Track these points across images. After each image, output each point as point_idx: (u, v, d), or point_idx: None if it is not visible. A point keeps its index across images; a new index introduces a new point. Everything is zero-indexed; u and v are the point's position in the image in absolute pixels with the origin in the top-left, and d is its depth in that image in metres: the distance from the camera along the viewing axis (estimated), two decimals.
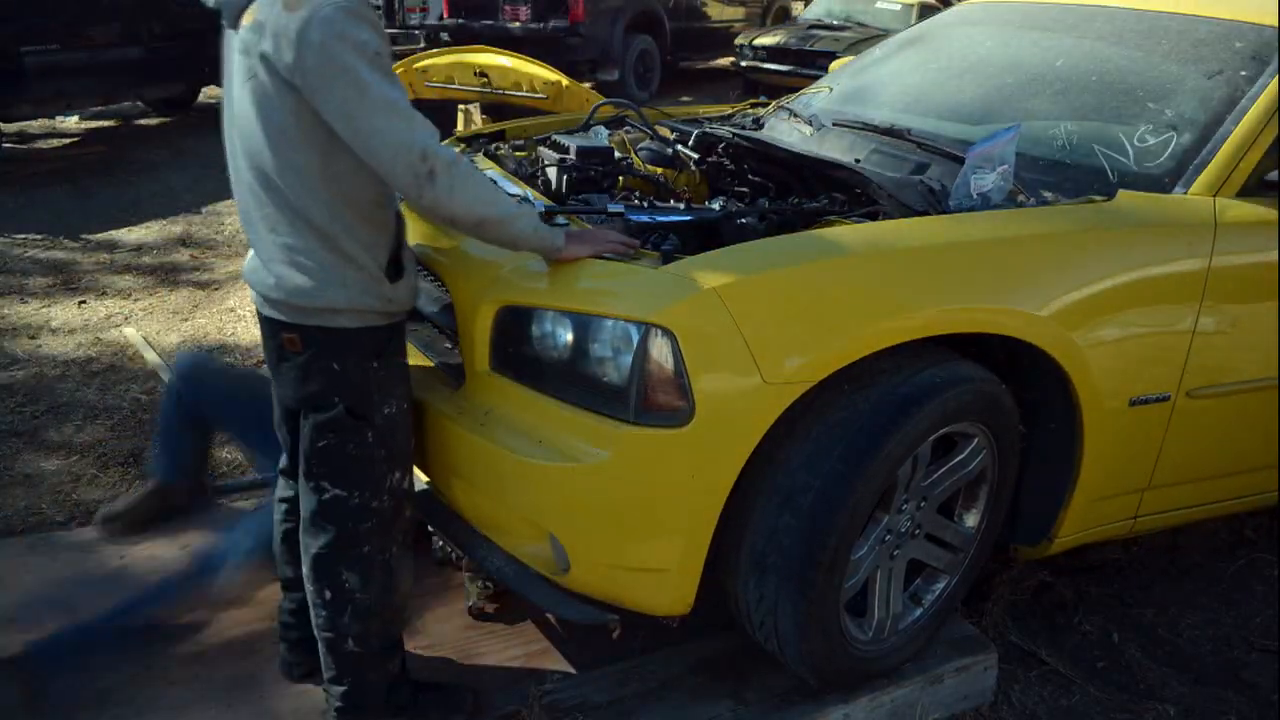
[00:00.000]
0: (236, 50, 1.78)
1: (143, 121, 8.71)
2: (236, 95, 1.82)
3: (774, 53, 10.56)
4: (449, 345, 2.23)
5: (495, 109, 4.29)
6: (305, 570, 2.02)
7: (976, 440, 2.08)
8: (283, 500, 2.19)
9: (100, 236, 5.61)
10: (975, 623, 2.44)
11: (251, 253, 1.95)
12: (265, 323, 1.96)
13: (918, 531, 2.13)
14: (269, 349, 1.99)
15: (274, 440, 2.19)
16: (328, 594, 1.99)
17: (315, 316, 1.87)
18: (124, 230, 5.74)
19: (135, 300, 4.68)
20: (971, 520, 2.20)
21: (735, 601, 2.00)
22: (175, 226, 5.87)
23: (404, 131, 1.68)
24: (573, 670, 2.18)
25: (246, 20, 1.73)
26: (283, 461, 2.19)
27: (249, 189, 1.87)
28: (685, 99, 10.87)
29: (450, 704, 2.17)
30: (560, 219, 2.10)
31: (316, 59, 1.65)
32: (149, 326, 4.37)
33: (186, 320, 4.45)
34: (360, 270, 1.84)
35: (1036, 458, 2.22)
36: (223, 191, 6.51)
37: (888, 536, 2.07)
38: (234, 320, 4.47)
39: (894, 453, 1.89)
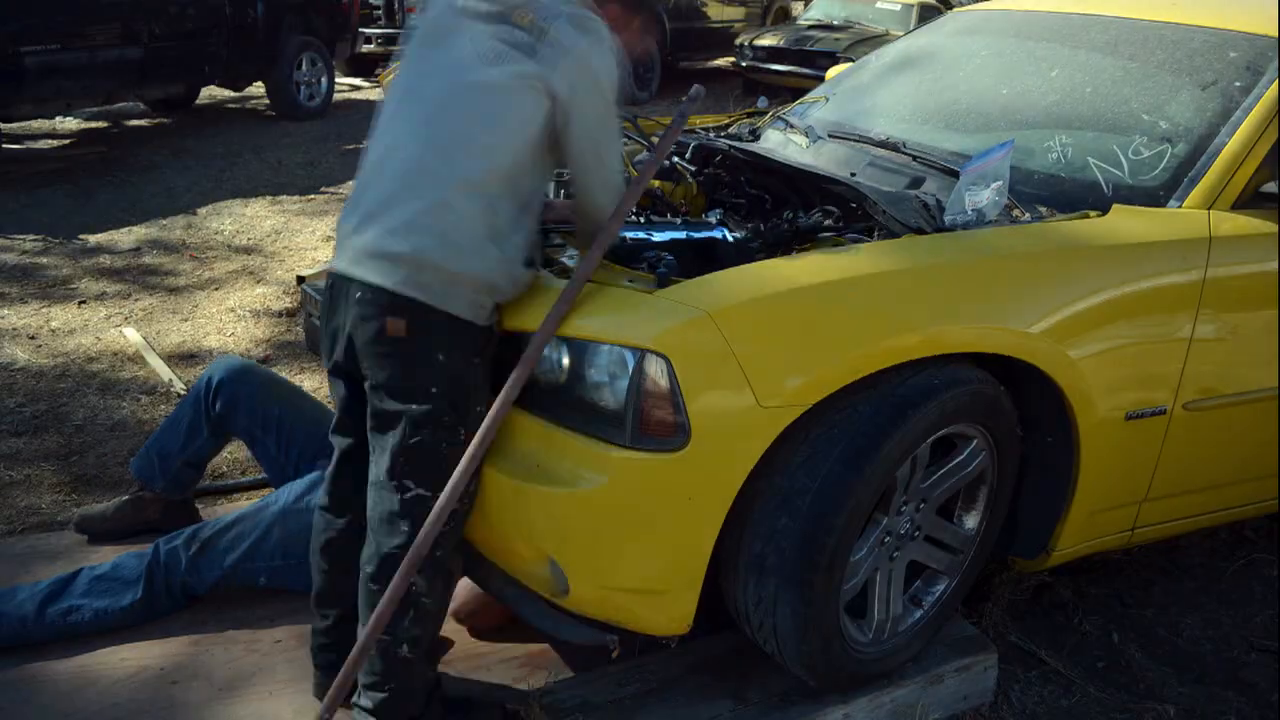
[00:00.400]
0: (488, 37, 1.89)
1: (143, 121, 8.72)
2: (450, 64, 1.91)
3: (774, 53, 10.57)
4: None
5: None
6: (368, 571, 1.97)
7: (975, 442, 2.08)
8: (324, 509, 2.14)
9: (100, 236, 5.61)
10: (975, 623, 2.44)
11: (363, 228, 1.91)
12: (366, 305, 1.89)
13: (917, 533, 2.14)
14: (365, 335, 1.90)
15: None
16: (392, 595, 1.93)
17: (440, 295, 1.86)
18: (124, 230, 5.75)
19: (135, 300, 4.68)
20: (971, 522, 2.20)
21: (734, 603, 2.01)
22: (175, 226, 5.87)
23: (618, 170, 1.96)
24: (573, 670, 2.19)
25: (522, 20, 1.88)
26: (328, 468, 2.14)
27: (417, 155, 1.90)
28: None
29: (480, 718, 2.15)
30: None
31: (591, 84, 1.86)
32: (149, 327, 4.37)
33: (186, 320, 4.45)
34: (502, 250, 1.89)
35: (1034, 471, 2.22)
36: (223, 191, 6.55)
37: (887, 538, 2.07)
38: (234, 320, 4.47)
39: (892, 454, 1.90)
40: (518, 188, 1.91)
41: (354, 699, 2.04)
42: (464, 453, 1.90)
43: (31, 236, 5.55)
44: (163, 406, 3.62)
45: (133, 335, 4.24)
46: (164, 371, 3.88)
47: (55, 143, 7.94)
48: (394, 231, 1.88)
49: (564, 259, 2.15)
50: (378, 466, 1.95)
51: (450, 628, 2.44)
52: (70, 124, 8.44)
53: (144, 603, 2.38)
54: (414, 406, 1.89)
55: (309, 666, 2.21)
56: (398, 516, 1.93)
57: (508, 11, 1.89)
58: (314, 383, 3.82)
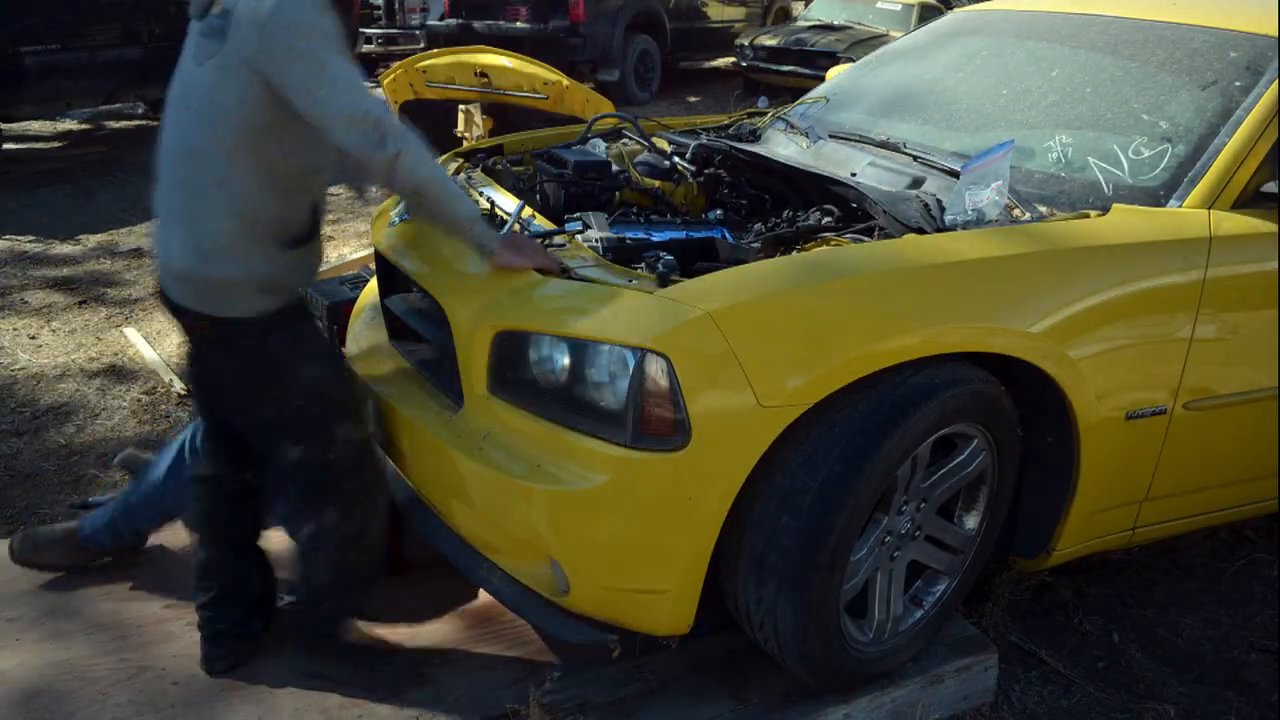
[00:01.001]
0: (197, 34, 1.94)
1: (143, 121, 8.72)
2: (185, 78, 1.97)
3: (774, 53, 10.57)
4: (447, 368, 2.24)
5: (495, 109, 4.29)
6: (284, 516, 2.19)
7: (976, 441, 2.08)
8: (200, 479, 2.26)
9: (100, 237, 5.62)
10: (976, 623, 2.44)
11: (158, 245, 2.05)
12: (175, 313, 2.06)
13: (918, 533, 2.13)
14: (187, 334, 2.10)
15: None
16: (312, 528, 2.14)
17: (219, 304, 1.98)
18: (124, 230, 5.75)
19: (135, 300, 4.69)
20: (971, 522, 2.20)
21: (735, 602, 2.01)
22: None
23: (359, 102, 1.85)
24: (573, 670, 2.18)
25: (215, 9, 1.90)
26: (196, 439, 2.31)
27: (166, 168, 1.98)
28: (698, 98, 10.88)
29: (398, 673, 2.26)
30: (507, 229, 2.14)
31: (282, 40, 1.82)
32: (149, 326, 4.37)
33: None
34: (260, 243, 1.96)
35: (1035, 471, 2.22)
36: None
37: (887, 538, 2.07)
38: None
39: (893, 454, 1.90)
40: (259, 172, 1.91)
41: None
42: (311, 411, 2.06)
43: (31, 236, 5.56)
44: (163, 406, 3.62)
45: (133, 335, 4.24)
46: (164, 372, 3.88)
47: (56, 143, 7.94)
48: (169, 251, 2.00)
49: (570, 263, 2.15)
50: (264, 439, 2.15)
51: (450, 627, 2.44)
52: (70, 124, 8.44)
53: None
54: (234, 393, 2.09)
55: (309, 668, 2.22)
56: (289, 472, 2.13)
57: (208, 5, 1.94)
58: None
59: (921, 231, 2.19)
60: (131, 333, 4.27)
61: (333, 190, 7.26)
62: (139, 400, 3.66)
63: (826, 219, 2.41)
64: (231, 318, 1.98)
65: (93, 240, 5.55)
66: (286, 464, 2.10)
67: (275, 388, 2.04)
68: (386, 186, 2.07)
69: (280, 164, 1.92)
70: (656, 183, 2.70)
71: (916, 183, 2.45)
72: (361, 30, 10.14)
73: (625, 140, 2.99)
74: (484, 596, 2.49)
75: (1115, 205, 2.24)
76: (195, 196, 1.93)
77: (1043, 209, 2.31)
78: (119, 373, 3.89)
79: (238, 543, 2.28)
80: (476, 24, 10.05)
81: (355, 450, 2.13)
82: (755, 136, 3.04)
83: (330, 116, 1.84)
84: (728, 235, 2.40)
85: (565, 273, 2.03)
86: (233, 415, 2.16)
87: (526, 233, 2.17)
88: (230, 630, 2.24)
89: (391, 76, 4.21)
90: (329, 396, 2.10)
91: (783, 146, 2.87)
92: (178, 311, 2.05)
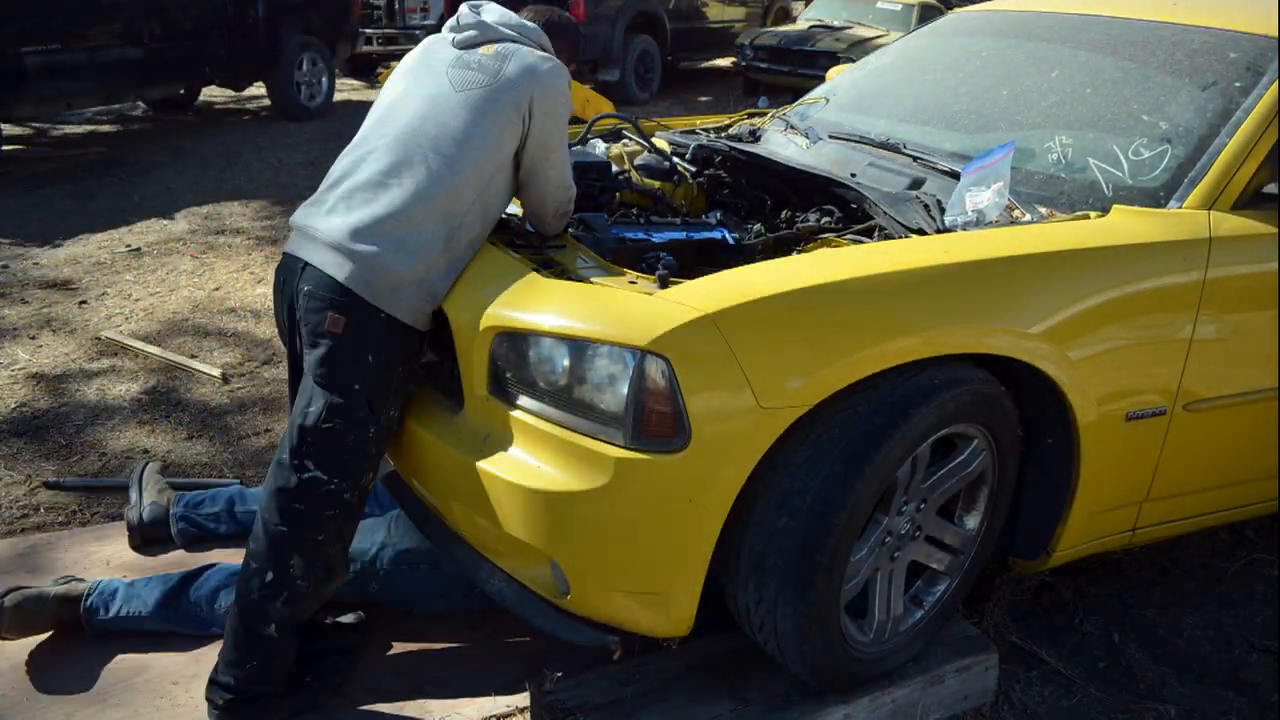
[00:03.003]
0: (458, 63, 2.19)
1: (143, 122, 8.72)
2: (435, 93, 2.16)
3: (774, 53, 10.57)
4: (448, 369, 2.24)
5: None
6: (251, 548, 2.10)
7: (976, 442, 2.08)
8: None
9: (100, 236, 5.62)
10: (976, 623, 2.44)
11: (328, 218, 2.07)
12: (313, 296, 2.05)
13: (918, 533, 2.14)
14: (308, 321, 2.06)
15: None
16: (270, 576, 2.06)
17: (385, 297, 2.01)
18: (124, 230, 5.75)
19: (135, 301, 4.69)
20: (972, 522, 2.20)
21: (735, 602, 2.01)
22: (175, 227, 5.87)
23: (570, 179, 2.26)
24: (573, 670, 2.18)
25: (488, 51, 2.19)
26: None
27: (389, 166, 2.08)
28: (704, 98, 10.88)
29: (330, 676, 2.24)
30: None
31: (551, 102, 2.15)
32: (149, 327, 4.37)
33: (186, 320, 4.46)
34: (449, 261, 2.07)
35: (1035, 472, 2.22)
36: (223, 191, 6.55)
37: (887, 538, 2.07)
38: (234, 321, 4.47)
39: (893, 454, 1.90)
40: (479, 199, 2.10)
41: (211, 674, 2.14)
42: (369, 450, 2.07)
43: (32, 236, 5.55)
44: (164, 407, 3.62)
45: (132, 336, 4.24)
46: (163, 372, 3.87)
47: (55, 143, 7.95)
48: (356, 231, 2.03)
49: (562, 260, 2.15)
50: (286, 440, 2.07)
51: (450, 627, 2.44)
52: (70, 124, 8.45)
53: None
54: (334, 397, 2.03)
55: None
56: (289, 495, 2.05)
57: (479, 41, 2.21)
58: None
59: (922, 232, 2.19)
60: (131, 333, 4.27)
61: None
62: (139, 400, 3.66)
63: (826, 219, 2.42)
64: (385, 314, 2.02)
65: (93, 240, 5.55)
66: (292, 485, 2.04)
67: (362, 399, 2.04)
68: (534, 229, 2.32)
69: (494, 199, 2.14)
70: (656, 183, 2.70)
71: (916, 183, 2.45)
72: (361, 30, 10.14)
73: (625, 140, 2.99)
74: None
75: (1115, 206, 2.24)
76: (419, 193, 2.05)
77: (1043, 210, 2.31)
78: (119, 373, 3.89)
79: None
80: None
81: (360, 502, 2.13)
82: (755, 137, 3.04)
83: (553, 181, 2.19)
84: (728, 236, 2.40)
85: (565, 273, 2.03)
86: (305, 411, 2.06)
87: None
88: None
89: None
90: (384, 439, 2.12)
91: (783, 147, 2.87)
92: (315, 297, 2.03)
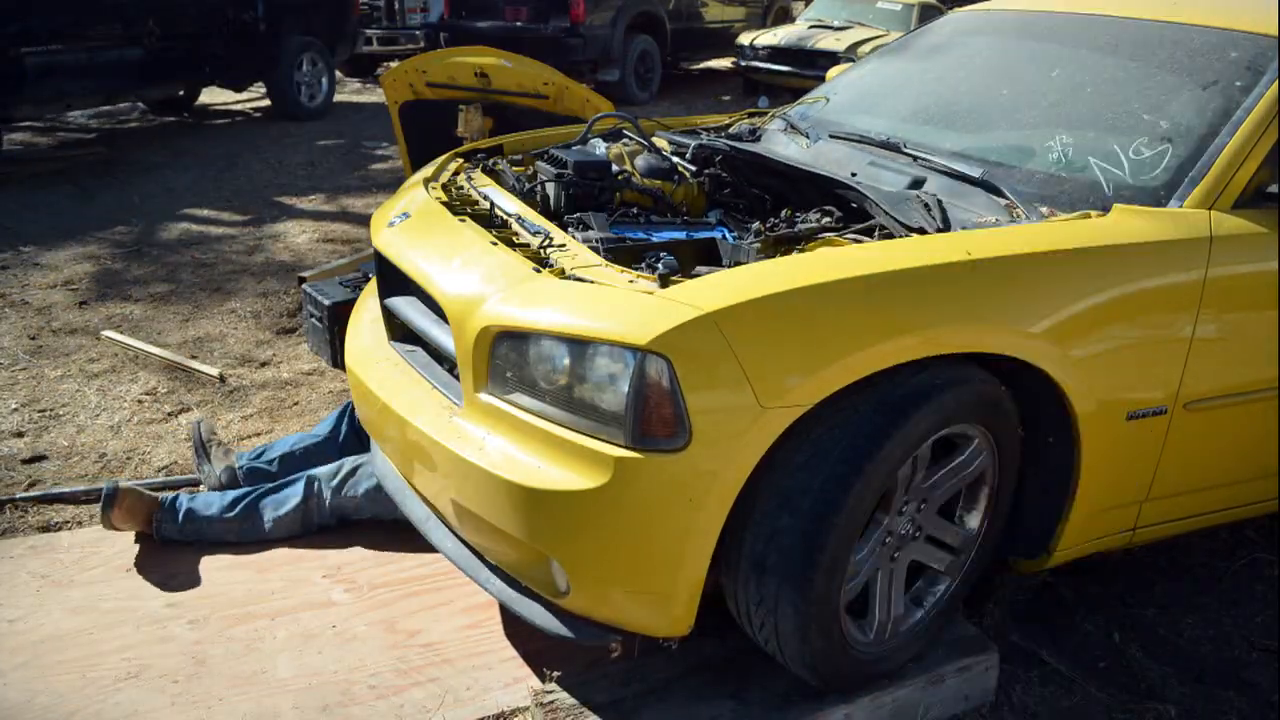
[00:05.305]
0: None
1: (143, 122, 8.72)
2: None
3: (775, 53, 10.58)
4: (447, 369, 2.24)
5: (495, 109, 4.29)
6: None
7: (976, 441, 2.08)
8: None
9: (100, 236, 5.61)
10: (976, 623, 2.44)
11: None
12: None
13: (918, 533, 2.13)
14: None
15: None
16: None
17: None
18: (124, 230, 5.75)
19: (135, 301, 4.68)
20: (972, 522, 2.20)
21: (735, 602, 2.01)
22: (175, 227, 5.87)
23: None
24: (573, 670, 2.18)
25: None
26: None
27: None
28: (704, 98, 10.88)
29: None
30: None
31: None
32: (149, 327, 4.37)
33: (187, 321, 4.45)
34: None
35: (1035, 471, 2.22)
36: (223, 191, 6.55)
37: (888, 538, 2.07)
38: (235, 321, 4.47)
39: (893, 454, 1.90)
40: None
41: None
42: None
43: (32, 237, 5.55)
44: (164, 407, 3.62)
45: (132, 336, 4.24)
46: (162, 370, 3.87)
47: (56, 143, 7.94)
48: None
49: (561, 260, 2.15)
50: None
51: (450, 627, 2.44)
52: (70, 124, 8.44)
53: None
54: None
55: (310, 665, 2.21)
56: None
57: None
58: (316, 381, 3.82)
59: (922, 231, 2.19)
60: (131, 333, 4.27)
61: (326, 188, 7.21)
62: (139, 400, 3.66)
63: (826, 219, 2.42)
64: None
65: (93, 240, 5.55)
66: None
67: None
68: None
69: None
70: (656, 183, 2.70)
71: (917, 183, 2.45)
72: (361, 30, 10.14)
73: (625, 140, 2.99)
74: (484, 596, 2.50)
75: (1116, 205, 2.23)
76: None
77: (1043, 209, 2.31)
78: (119, 374, 3.89)
79: None
80: (476, 24, 10.06)
81: None
82: (755, 136, 3.04)
83: None
84: (728, 236, 2.40)
85: (565, 273, 2.03)
86: None
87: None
88: None
89: (391, 76, 4.21)
90: None
91: (783, 146, 2.87)
92: None
